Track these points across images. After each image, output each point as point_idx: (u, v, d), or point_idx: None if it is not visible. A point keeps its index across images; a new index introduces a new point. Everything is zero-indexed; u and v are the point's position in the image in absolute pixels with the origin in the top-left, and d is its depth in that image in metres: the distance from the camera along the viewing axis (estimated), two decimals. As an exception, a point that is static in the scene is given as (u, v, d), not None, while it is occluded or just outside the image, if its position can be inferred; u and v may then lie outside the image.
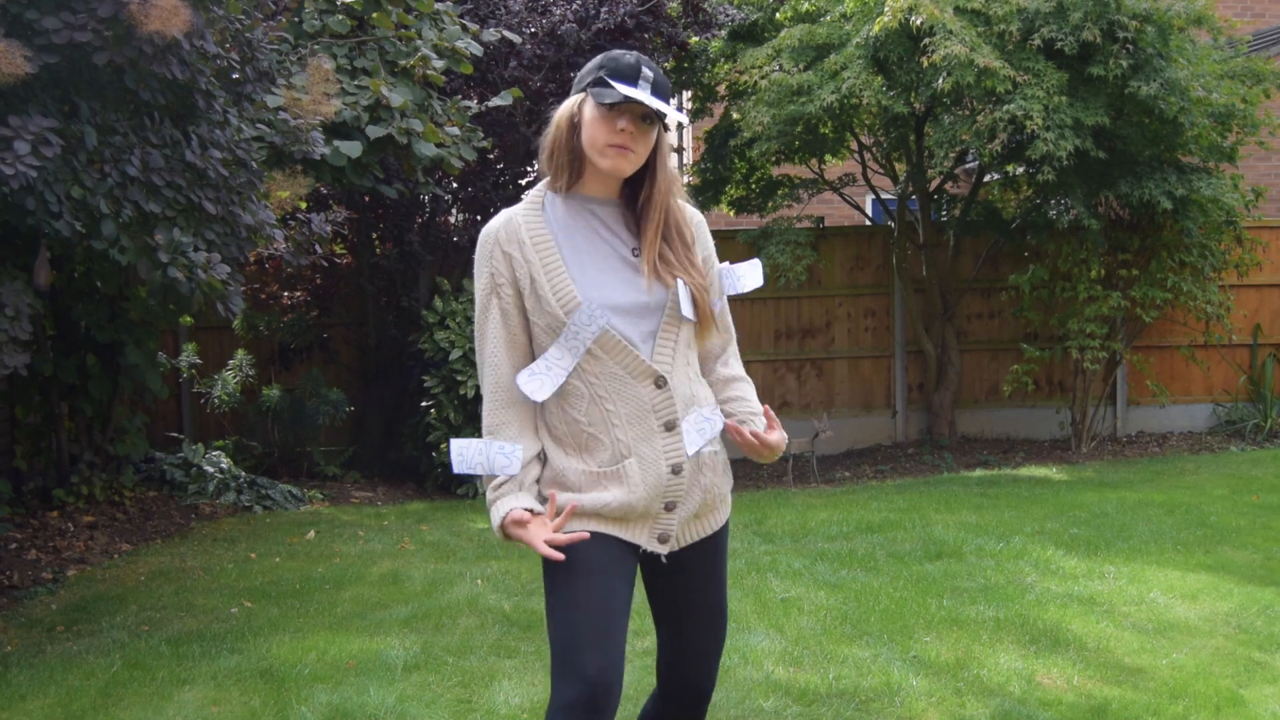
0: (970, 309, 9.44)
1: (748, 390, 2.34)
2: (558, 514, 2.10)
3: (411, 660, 3.84)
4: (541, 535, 2.07)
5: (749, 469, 8.92)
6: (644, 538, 2.18)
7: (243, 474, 7.35)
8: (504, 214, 2.21)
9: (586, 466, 2.16)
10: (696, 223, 2.29)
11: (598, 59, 2.15)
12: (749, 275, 2.34)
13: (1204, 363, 9.16)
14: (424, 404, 7.78)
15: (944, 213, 9.51)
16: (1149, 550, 5.23)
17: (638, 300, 2.14)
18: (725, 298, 2.33)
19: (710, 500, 2.22)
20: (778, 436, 2.21)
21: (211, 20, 4.35)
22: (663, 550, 2.20)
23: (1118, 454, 8.66)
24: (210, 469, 7.29)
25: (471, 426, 7.42)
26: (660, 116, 2.09)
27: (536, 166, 8.56)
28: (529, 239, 2.14)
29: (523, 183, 8.81)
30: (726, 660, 3.69)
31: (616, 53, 2.16)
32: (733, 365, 2.35)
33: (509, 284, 2.15)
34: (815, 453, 8.58)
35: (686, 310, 2.16)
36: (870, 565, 5.07)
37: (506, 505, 2.12)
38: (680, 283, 2.16)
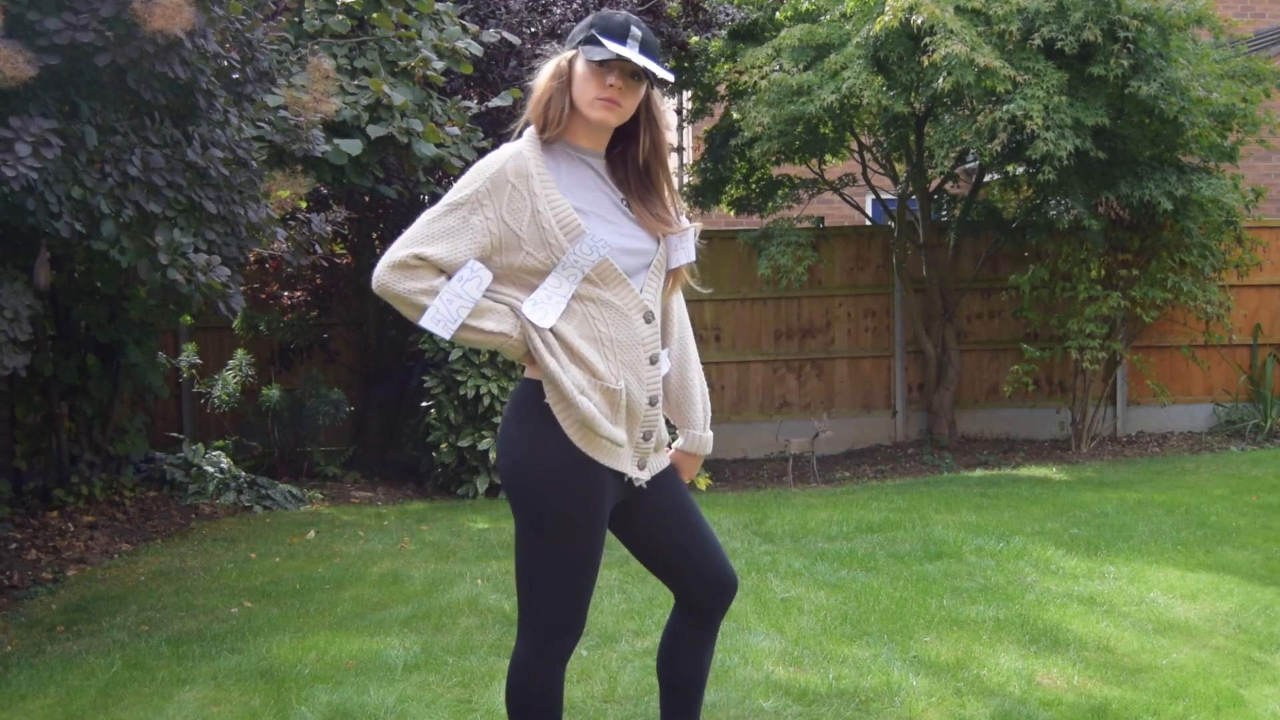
0: (970, 309, 9.44)
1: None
2: None
3: (411, 660, 3.84)
4: None
5: (749, 469, 8.92)
6: (630, 466, 2.30)
7: (243, 474, 7.35)
8: (512, 147, 2.25)
9: (592, 374, 2.23)
10: None
11: (589, 17, 2.25)
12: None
13: (1204, 363, 9.16)
14: (424, 404, 7.78)
15: (944, 213, 9.51)
16: (1149, 550, 5.23)
17: (635, 245, 2.27)
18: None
19: (661, 433, 2.37)
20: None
21: (212, 20, 4.35)
22: (644, 476, 2.33)
23: (1118, 454, 8.66)
24: (210, 469, 7.29)
25: (471, 426, 7.43)
26: (649, 74, 2.19)
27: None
28: (535, 173, 2.20)
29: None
30: (727, 660, 3.69)
31: (607, 11, 2.26)
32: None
33: (493, 216, 2.19)
34: (815, 453, 8.58)
35: (674, 262, 2.33)
36: (870, 565, 5.07)
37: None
38: (672, 238, 2.32)
